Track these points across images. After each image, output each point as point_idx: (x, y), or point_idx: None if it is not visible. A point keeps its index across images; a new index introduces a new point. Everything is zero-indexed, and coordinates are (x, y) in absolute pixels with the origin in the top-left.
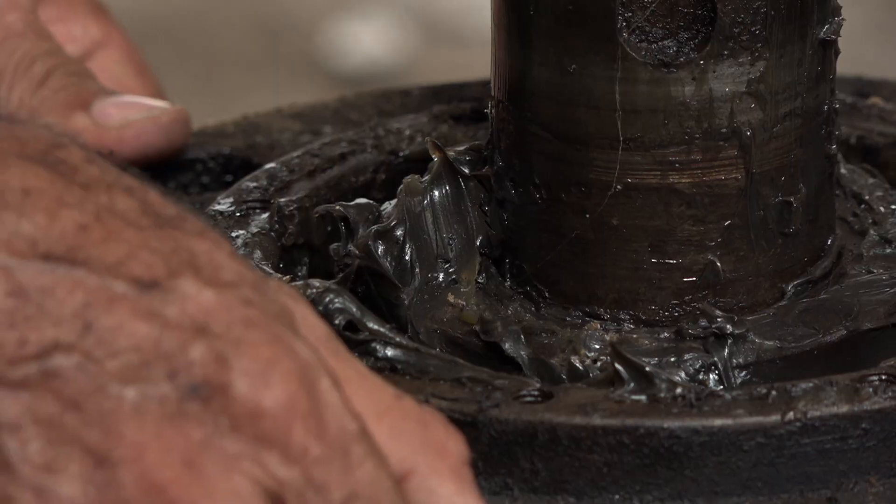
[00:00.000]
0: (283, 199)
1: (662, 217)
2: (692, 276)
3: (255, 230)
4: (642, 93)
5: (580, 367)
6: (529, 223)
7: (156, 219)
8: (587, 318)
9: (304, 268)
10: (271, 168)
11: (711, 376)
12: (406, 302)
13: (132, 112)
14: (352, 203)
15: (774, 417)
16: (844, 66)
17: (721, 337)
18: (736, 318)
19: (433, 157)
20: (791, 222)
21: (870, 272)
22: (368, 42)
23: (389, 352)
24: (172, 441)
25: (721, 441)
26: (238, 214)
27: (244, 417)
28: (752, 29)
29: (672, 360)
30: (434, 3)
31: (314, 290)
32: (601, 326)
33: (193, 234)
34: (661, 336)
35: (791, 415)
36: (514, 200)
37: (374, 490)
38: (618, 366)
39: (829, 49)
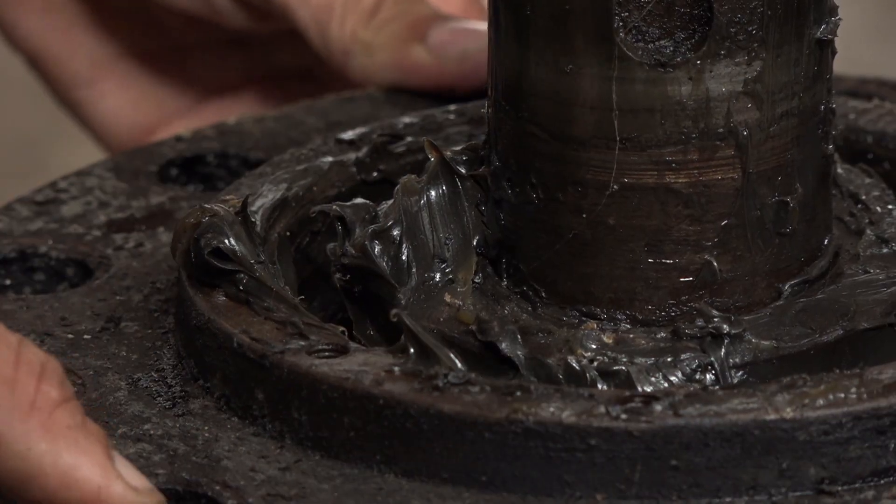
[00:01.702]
0: (408, 139)
1: (659, 217)
2: (689, 276)
3: (338, 159)
4: (639, 92)
5: (577, 367)
6: (526, 223)
7: None
8: (584, 318)
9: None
10: (440, 109)
11: (708, 376)
12: (403, 302)
13: (470, 41)
14: (348, 203)
15: (499, 414)
16: (842, 66)
17: (718, 337)
18: (733, 317)
19: (430, 156)
20: (788, 222)
21: (866, 272)
22: None
23: (248, 285)
24: None
25: (447, 427)
26: (350, 143)
27: None
28: (749, 29)
29: (669, 360)
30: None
31: (207, 215)
32: (598, 326)
33: None
34: (658, 336)
35: (515, 415)
36: (510, 200)
37: None
38: (405, 337)
39: (825, 49)
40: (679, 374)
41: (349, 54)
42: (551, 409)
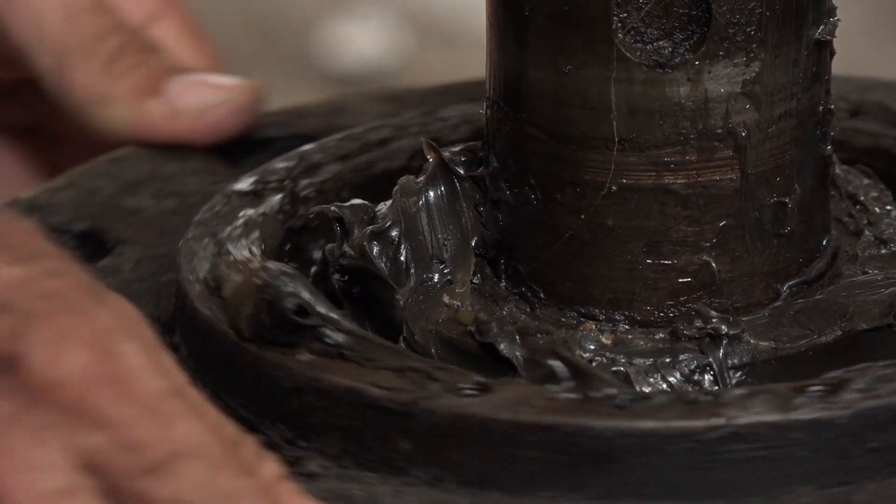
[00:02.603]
0: (303, 182)
1: (657, 218)
2: (687, 277)
3: (262, 211)
4: (637, 93)
5: None
6: (525, 224)
7: None
8: (582, 319)
9: (320, 251)
10: (306, 150)
11: (706, 377)
12: (401, 303)
13: (207, 94)
14: (346, 203)
15: (701, 423)
16: (841, 67)
17: (716, 338)
18: (731, 318)
19: (428, 157)
20: (786, 223)
21: (865, 273)
22: (363, 43)
23: (338, 338)
24: None
25: (647, 444)
26: (254, 194)
27: (43, 388)
28: (748, 30)
29: (667, 360)
30: (429, 3)
31: (269, 274)
32: (596, 327)
33: (4, 221)
34: (657, 337)
35: (719, 421)
36: (509, 201)
37: (196, 444)
38: (553, 362)
39: (824, 50)
40: (678, 375)
41: (85, 106)
42: (753, 410)
